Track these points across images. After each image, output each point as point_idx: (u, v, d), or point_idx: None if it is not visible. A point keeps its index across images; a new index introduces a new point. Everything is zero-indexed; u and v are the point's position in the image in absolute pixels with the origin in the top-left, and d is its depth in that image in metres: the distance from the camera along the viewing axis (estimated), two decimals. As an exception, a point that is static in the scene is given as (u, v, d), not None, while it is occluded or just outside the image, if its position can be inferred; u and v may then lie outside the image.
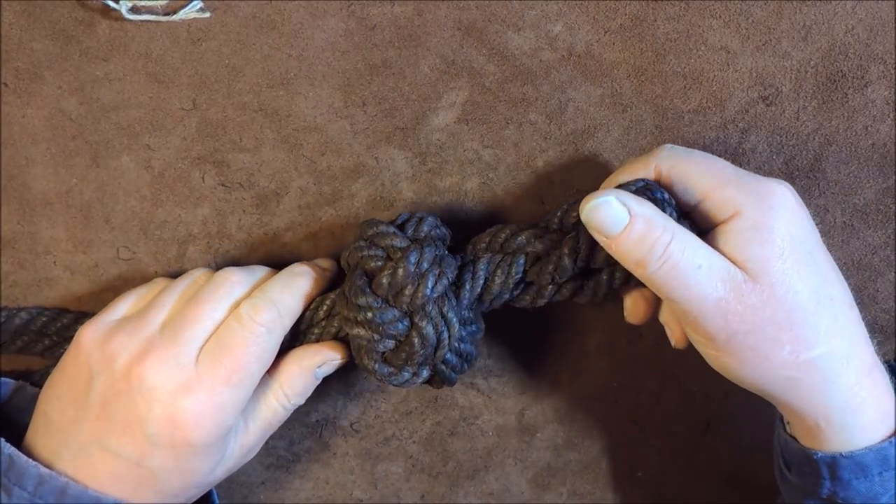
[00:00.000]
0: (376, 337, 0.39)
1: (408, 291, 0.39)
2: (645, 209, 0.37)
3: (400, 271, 0.39)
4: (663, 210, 0.38)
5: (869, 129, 0.45)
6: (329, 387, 0.49)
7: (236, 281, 0.41)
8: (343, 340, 0.42)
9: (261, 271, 0.43)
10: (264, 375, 0.42)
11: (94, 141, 0.43)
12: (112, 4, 0.41)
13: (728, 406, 0.51)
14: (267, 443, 0.50)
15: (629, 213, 0.37)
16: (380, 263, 0.39)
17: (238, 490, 0.51)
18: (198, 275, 0.43)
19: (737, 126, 0.44)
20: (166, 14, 0.41)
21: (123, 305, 0.42)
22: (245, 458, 0.42)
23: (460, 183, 0.45)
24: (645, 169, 0.40)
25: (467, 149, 0.45)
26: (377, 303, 0.39)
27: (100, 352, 0.39)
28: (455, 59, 0.43)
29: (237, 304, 0.40)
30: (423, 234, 0.41)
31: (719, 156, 0.43)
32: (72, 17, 0.41)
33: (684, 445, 0.52)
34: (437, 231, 0.41)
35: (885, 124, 0.44)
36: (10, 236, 0.45)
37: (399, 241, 0.40)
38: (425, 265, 0.39)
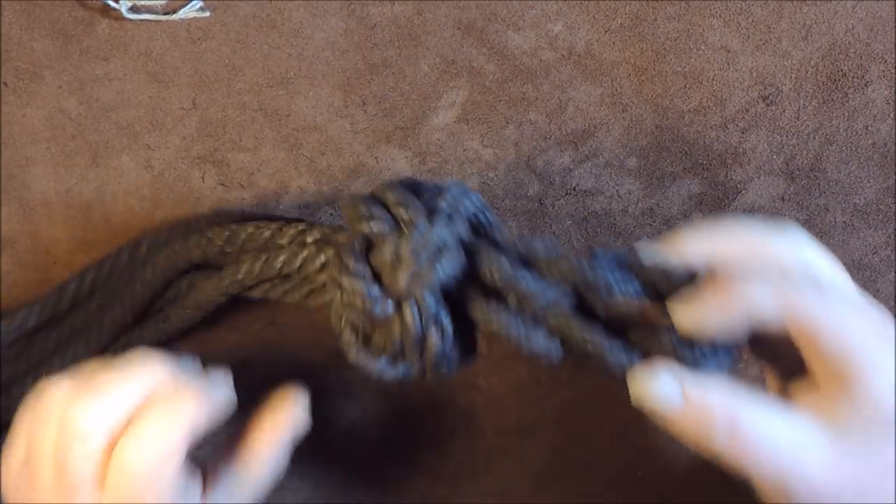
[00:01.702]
0: (357, 309, 0.33)
1: (403, 274, 0.33)
2: (702, 382, 0.33)
3: (403, 247, 0.33)
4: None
5: (869, 128, 0.45)
6: (329, 387, 0.49)
7: (88, 432, 0.32)
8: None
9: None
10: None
11: (94, 141, 0.43)
12: (112, 4, 0.41)
13: (728, 406, 0.51)
14: (267, 443, 0.50)
15: (682, 389, 0.33)
16: (382, 229, 0.34)
17: (238, 490, 0.51)
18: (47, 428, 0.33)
19: (737, 125, 0.44)
20: (166, 13, 0.41)
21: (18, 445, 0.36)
22: None
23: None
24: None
25: (467, 148, 0.45)
26: (366, 274, 0.33)
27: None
28: (455, 59, 0.43)
29: (112, 436, 0.33)
30: (449, 206, 0.34)
31: (719, 155, 0.43)
32: (72, 17, 0.41)
33: (684, 445, 0.52)
34: (483, 216, 0.35)
35: (885, 124, 0.44)
36: (10, 236, 0.45)
37: (410, 212, 0.33)
38: (432, 246, 0.33)
